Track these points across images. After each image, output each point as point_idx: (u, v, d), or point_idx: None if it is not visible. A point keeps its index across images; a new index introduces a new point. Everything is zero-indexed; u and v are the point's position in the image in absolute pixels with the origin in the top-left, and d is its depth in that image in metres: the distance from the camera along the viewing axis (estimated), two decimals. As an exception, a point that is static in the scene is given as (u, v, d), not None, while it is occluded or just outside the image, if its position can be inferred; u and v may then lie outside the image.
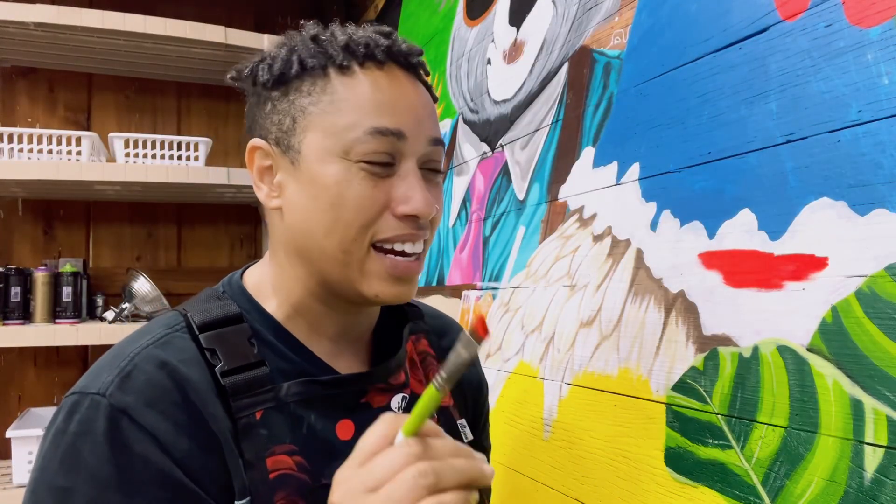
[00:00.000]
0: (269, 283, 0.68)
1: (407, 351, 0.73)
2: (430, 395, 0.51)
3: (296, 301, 0.67)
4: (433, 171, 0.66)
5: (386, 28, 0.67)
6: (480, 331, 0.50)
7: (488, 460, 0.87)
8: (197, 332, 0.62)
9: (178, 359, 0.60)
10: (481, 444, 0.85)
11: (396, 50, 0.64)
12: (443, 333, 0.82)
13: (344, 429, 0.64)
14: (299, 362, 0.65)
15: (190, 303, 0.67)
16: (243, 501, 0.57)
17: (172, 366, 0.59)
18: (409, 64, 0.65)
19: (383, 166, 0.62)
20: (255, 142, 0.65)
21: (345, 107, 0.61)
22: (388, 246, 0.63)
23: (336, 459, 0.58)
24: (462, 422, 0.76)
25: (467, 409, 0.81)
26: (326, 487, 0.55)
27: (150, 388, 0.57)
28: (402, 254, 0.63)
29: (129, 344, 0.61)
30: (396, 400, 0.68)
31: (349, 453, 0.58)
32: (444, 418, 0.74)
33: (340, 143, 0.61)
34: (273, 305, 0.67)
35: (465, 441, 0.74)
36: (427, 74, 0.68)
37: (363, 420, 0.62)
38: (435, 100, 0.69)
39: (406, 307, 0.78)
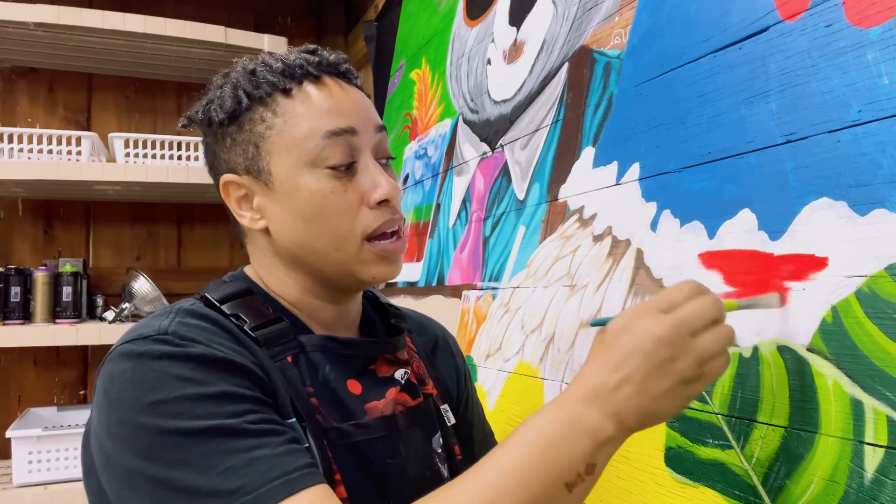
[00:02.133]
0: (264, 283, 0.75)
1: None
2: (730, 304, 0.62)
3: (292, 299, 0.74)
4: (386, 158, 0.74)
5: (311, 47, 0.75)
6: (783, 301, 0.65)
7: (493, 440, 0.94)
8: (218, 305, 0.69)
9: (215, 316, 0.66)
10: (481, 425, 0.91)
11: (326, 63, 0.72)
12: (422, 332, 0.89)
13: (352, 385, 0.71)
14: (306, 331, 0.73)
15: (202, 290, 0.73)
16: (291, 421, 0.63)
17: (212, 317, 0.65)
18: (339, 72, 0.73)
19: (347, 168, 0.69)
20: (227, 177, 0.72)
21: (297, 121, 0.69)
22: (377, 235, 0.70)
23: (345, 407, 0.68)
24: (445, 407, 0.81)
25: (450, 395, 0.86)
26: (335, 430, 0.65)
27: (201, 329, 0.63)
28: (387, 236, 0.71)
29: (161, 311, 0.66)
30: (399, 373, 0.76)
31: (357, 405, 0.69)
32: (432, 403, 0.80)
33: (304, 154, 0.68)
34: (275, 296, 0.75)
35: (449, 424, 0.80)
36: (356, 77, 0.76)
37: (369, 383, 0.72)
38: (368, 96, 0.76)
39: (389, 308, 0.85)
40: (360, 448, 0.67)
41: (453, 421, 0.81)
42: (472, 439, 0.88)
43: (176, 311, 0.65)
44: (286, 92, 0.69)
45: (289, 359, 0.67)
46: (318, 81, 0.70)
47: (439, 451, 0.76)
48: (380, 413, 0.71)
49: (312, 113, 0.69)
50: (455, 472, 0.77)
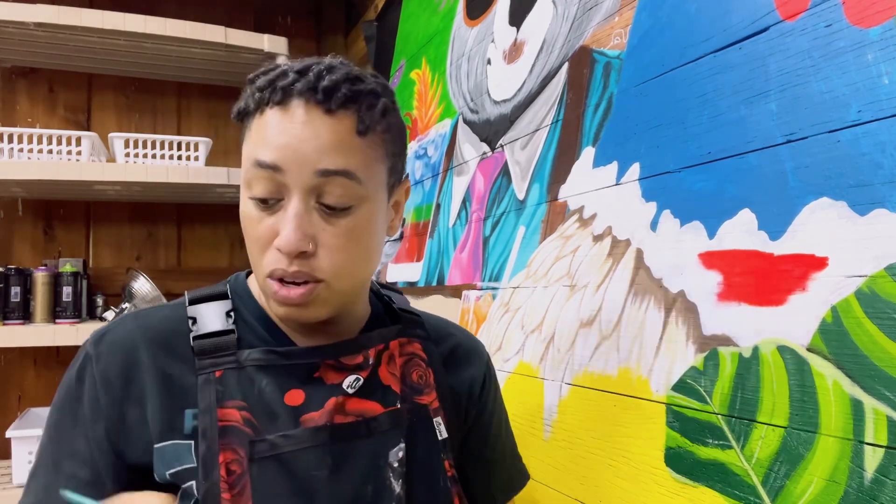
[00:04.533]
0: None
1: (389, 346, 0.77)
2: None
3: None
4: (328, 206, 0.66)
5: (308, 63, 0.67)
6: None
7: (506, 466, 0.90)
8: (187, 305, 0.74)
9: (163, 324, 0.72)
10: (491, 445, 0.87)
11: (299, 87, 0.65)
12: (441, 340, 0.84)
13: (293, 396, 0.70)
14: (268, 339, 0.73)
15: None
16: (186, 442, 0.67)
17: (153, 327, 0.71)
18: (317, 100, 0.65)
19: (267, 202, 0.66)
20: None
21: (248, 141, 0.68)
22: (274, 276, 0.68)
23: (278, 420, 0.68)
24: (438, 420, 0.77)
25: (459, 407, 0.82)
26: (264, 441, 0.66)
27: (130, 337, 0.70)
28: (284, 282, 0.67)
29: (148, 307, 0.75)
30: (349, 380, 0.72)
31: (292, 416, 0.69)
32: (419, 412, 0.76)
33: (243, 174, 0.69)
34: (260, 295, 0.76)
35: (440, 438, 0.77)
36: (344, 104, 0.66)
37: (314, 392, 0.71)
38: (365, 130, 0.66)
39: (405, 313, 0.82)
40: (286, 460, 0.66)
41: (444, 435, 0.77)
42: (478, 460, 0.85)
43: (130, 314, 0.73)
44: (259, 110, 0.67)
45: (217, 374, 0.68)
46: (283, 105, 0.65)
47: (395, 465, 0.71)
48: (313, 424, 0.69)
49: (255, 138, 0.67)
50: (424, 487, 0.73)
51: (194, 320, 0.72)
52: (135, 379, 0.68)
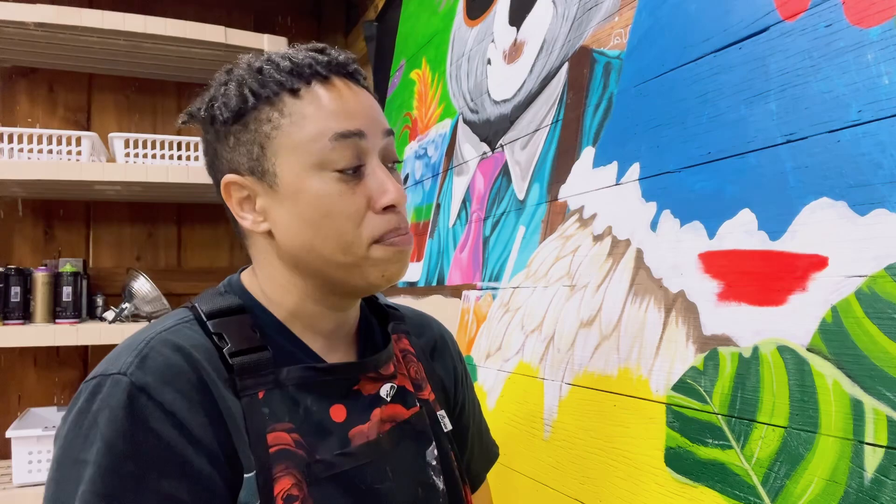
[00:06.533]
0: (262, 291, 0.73)
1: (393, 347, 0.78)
2: None
3: (292, 306, 0.71)
4: (393, 163, 0.72)
5: (319, 45, 0.72)
6: None
7: (489, 438, 0.94)
8: (205, 320, 0.67)
9: (189, 344, 0.64)
10: (477, 426, 0.91)
11: (335, 63, 0.70)
12: (421, 333, 0.86)
13: (337, 412, 0.69)
14: (294, 351, 0.70)
15: (195, 299, 0.71)
16: (251, 475, 0.61)
17: (186, 350, 0.63)
18: (348, 73, 0.71)
19: (355, 171, 0.67)
20: (229, 177, 0.70)
21: (305, 122, 0.66)
22: (384, 239, 0.68)
23: (329, 437, 0.66)
24: (441, 413, 0.79)
25: (448, 398, 0.85)
26: (320, 462, 0.64)
27: (166, 367, 0.61)
28: (397, 234, 0.69)
29: (143, 332, 0.66)
30: (385, 389, 0.73)
31: (341, 433, 0.67)
32: (427, 410, 0.77)
33: (311, 156, 0.66)
34: (272, 307, 0.72)
35: (445, 430, 0.78)
36: (364, 78, 0.74)
37: (355, 405, 0.70)
38: (377, 98, 0.74)
39: (387, 309, 0.83)
40: (347, 478, 0.66)
41: (450, 427, 0.79)
42: (467, 441, 0.88)
43: (149, 340, 0.63)
44: (294, 92, 0.67)
45: (260, 394, 0.64)
46: (326, 82, 0.68)
47: (434, 463, 0.73)
48: (365, 438, 0.69)
49: (321, 114, 0.66)
50: (452, 481, 0.75)
51: (220, 336, 0.66)
52: (200, 403, 0.62)
